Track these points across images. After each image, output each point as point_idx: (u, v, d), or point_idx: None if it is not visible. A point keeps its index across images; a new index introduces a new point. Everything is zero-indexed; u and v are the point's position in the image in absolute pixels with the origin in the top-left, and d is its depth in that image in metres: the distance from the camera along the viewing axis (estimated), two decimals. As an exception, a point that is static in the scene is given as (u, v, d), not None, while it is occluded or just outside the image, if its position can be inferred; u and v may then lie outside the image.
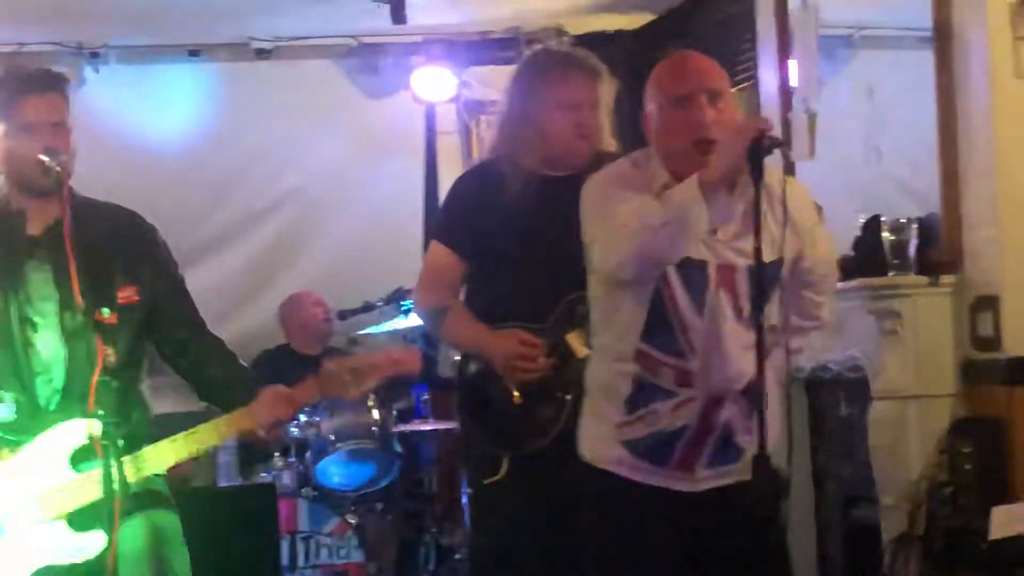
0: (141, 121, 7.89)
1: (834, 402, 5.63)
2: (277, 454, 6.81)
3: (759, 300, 3.43)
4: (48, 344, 4.00)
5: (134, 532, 3.96)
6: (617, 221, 3.49)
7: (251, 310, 7.87)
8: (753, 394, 3.44)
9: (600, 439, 3.73)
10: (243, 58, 8.06)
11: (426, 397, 7.40)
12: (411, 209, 8.19)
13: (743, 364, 3.51)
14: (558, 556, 4.37)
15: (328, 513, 6.65)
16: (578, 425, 3.84)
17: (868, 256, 5.00)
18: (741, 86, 6.30)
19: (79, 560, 3.87)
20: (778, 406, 3.68)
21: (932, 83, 4.91)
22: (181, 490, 4.21)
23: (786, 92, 5.85)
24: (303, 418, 6.63)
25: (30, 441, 3.96)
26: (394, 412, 6.94)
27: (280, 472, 6.71)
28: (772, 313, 3.65)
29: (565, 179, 4.43)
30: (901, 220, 4.88)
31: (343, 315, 7.48)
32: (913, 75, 5.08)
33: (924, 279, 4.85)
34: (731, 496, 3.63)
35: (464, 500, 6.97)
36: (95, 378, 3.79)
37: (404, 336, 7.68)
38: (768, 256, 3.55)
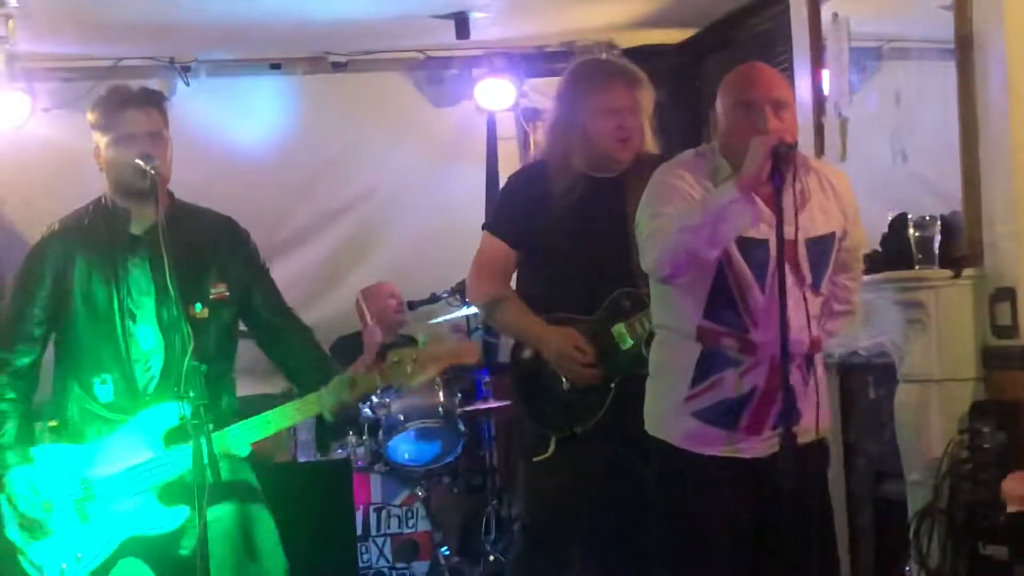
0: (228, 129, 7.93)
1: (863, 385, 5.60)
2: (352, 432, 6.84)
3: (821, 269, 3.52)
4: (147, 334, 4.06)
5: (225, 515, 4.00)
6: (661, 221, 3.50)
7: (328, 301, 7.89)
8: (812, 359, 3.55)
9: (669, 415, 3.75)
10: (321, 71, 8.10)
11: (487, 380, 7.41)
12: (474, 209, 8.17)
13: (805, 330, 3.56)
14: (599, 528, 4.38)
15: (398, 486, 6.68)
16: (644, 405, 3.86)
17: (895, 251, 4.97)
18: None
19: (163, 531, 3.91)
20: (824, 377, 3.73)
21: (954, 90, 4.87)
22: (264, 465, 4.24)
23: (819, 99, 5.82)
24: (375, 399, 6.67)
25: (128, 420, 4.01)
26: (458, 394, 6.94)
27: (354, 449, 6.74)
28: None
29: (609, 180, 4.43)
30: (926, 217, 4.85)
31: (412, 305, 7.51)
32: (937, 83, 5.04)
33: (947, 272, 4.82)
34: (789, 458, 3.62)
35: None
36: (186, 365, 3.84)
37: (467, 324, 7.71)
38: (823, 229, 3.62)
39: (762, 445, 3.67)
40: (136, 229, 4.11)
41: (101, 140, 4.11)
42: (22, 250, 6.83)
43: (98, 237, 4.11)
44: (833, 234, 3.70)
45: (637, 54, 7.45)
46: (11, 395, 4.07)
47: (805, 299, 3.56)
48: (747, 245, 3.56)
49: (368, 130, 8.19)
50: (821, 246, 3.65)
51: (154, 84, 7.35)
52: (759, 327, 3.60)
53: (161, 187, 4.00)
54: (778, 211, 3.39)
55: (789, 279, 3.54)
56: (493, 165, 8.29)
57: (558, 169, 4.49)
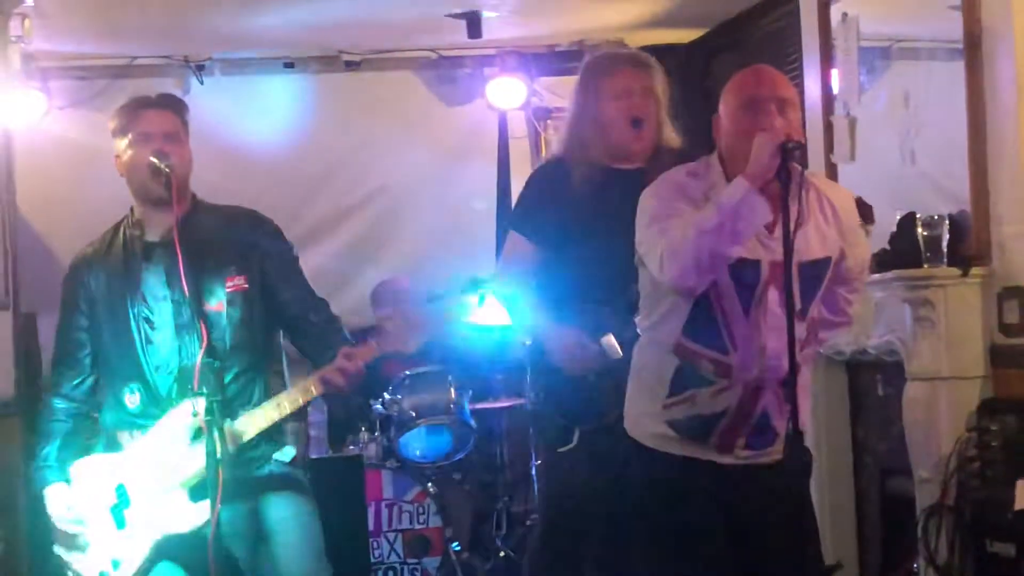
0: (242, 127, 7.94)
1: (872, 383, 5.60)
2: (363, 429, 6.84)
3: (790, 293, 3.41)
4: (165, 339, 4.06)
5: (243, 509, 4.01)
6: (674, 233, 3.47)
7: (342, 296, 7.86)
8: (789, 383, 3.44)
9: (645, 416, 3.72)
10: (334, 69, 8.11)
11: (499, 377, 7.41)
12: (485, 206, 8.21)
13: (783, 356, 3.48)
14: (621, 519, 4.37)
15: (410, 482, 6.68)
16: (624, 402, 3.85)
17: (904, 250, 4.96)
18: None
19: (195, 527, 3.91)
20: (808, 392, 3.68)
21: (963, 90, 4.87)
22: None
23: (828, 99, 5.81)
24: (387, 396, 6.67)
25: (156, 425, 4.02)
26: (469, 391, 6.94)
27: (366, 445, 6.75)
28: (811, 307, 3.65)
29: (629, 172, 4.43)
30: (934, 217, 4.84)
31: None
32: (945, 83, 5.03)
33: (955, 271, 4.81)
34: (766, 470, 3.63)
35: (533, 471, 6.99)
36: (199, 360, 3.84)
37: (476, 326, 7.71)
38: (819, 253, 3.56)
39: (735, 460, 3.65)
40: (152, 236, 4.11)
41: (120, 144, 4.12)
42: (37, 245, 6.95)
43: (116, 252, 4.14)
44: (828, 259, 3.62)
45: (647, 53, 7.45)
46: (59, 418, 4.16)
47: (791, 323, 3.43)
48: (738, 266, 3.51)
49: (381, 128, 8.20)
50: (813, 271, 3.58)
51: (168, 83, 7.41)
52: (738, 350, 3.56)
53: (179, 189, 3.99)
54: (784, 215, 3.36)
55: (775, 303, 3.53)
56: (504, 163, 8.29)
57: (576, 162, 4.50)
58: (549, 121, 8.31)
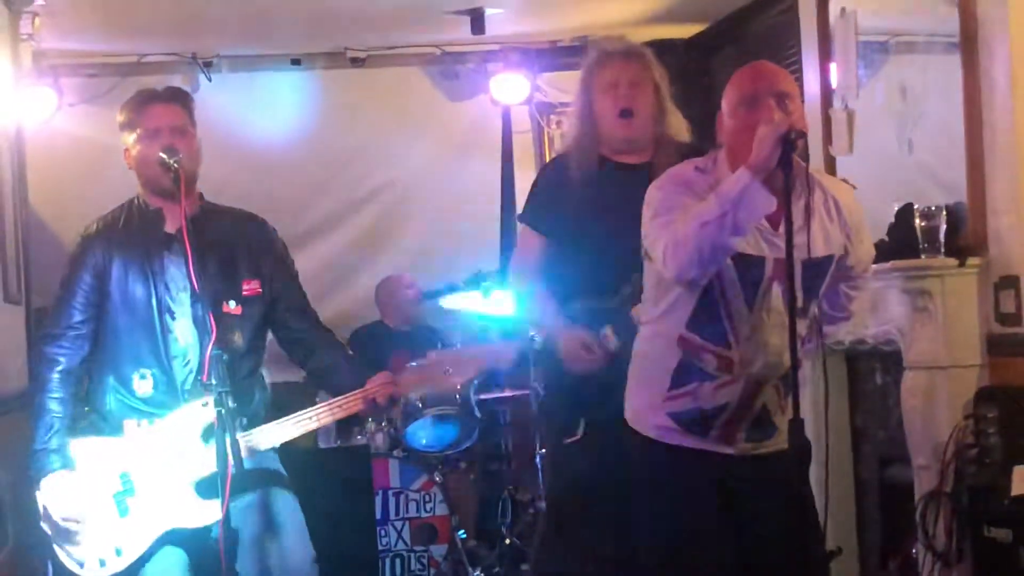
0: (248, 123, 7.95)
1: (871, 372, 5.61)
2: (371, 419, 6.86)
3: (792, 289, 3.41)
4: (184, 331, 4.07)
5: (250, 501, 4.03)
6: (677, 226, 3.47)
7: (348, 290, 7.92)
8: (789, 378, 3.45)
9: (646, 407, 3.72)
10: (340, 66, 8.12)
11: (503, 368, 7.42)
12: (489, 200, 8.22)
13: (785, 352, 3.49)
14: (624, 510, 4.38)
15: (416, 472, 6.69)
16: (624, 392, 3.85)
17: (902, 240, 4.97)
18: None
19: (201, 524, 3.92)
20: (809, 385, 3.68)
21: (959, 83, 4.87)
22: (286, 451, 4.26)
23: (827, 92, 5.83)
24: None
25: (167, 415, 4.03)
26: (474, 381, 6.95)
27: (373, 435, 6.75)
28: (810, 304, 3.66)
29: (635, 165, 4.44)
30: (931, 208, 4.85)
31: (429, 295, 7.52)
32: (942, 77, 5.04)
33: (952, 261, 4.82)
34: (766, 459, 3.64)
35: (538, 460, 7.00)
36: (208, 352, 3.85)
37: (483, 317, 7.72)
38: (822, 251, 3.56)
39: (734, 448, 3.66)
40: (170, 227, 4.12)
41: (129, 139, 4.13)
42: (48, 240, 6.95)
43: (133, 235, 4.12)
44: (831, 257, 3.63)
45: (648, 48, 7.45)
46: (59, 394, 4.08)
47: (793, 320, 3.42)
48: (742, 262, 3.51)
49: (386, 124, 8.21)
50: (816, 268, 3.57)
51: (177, 80, 7.41)
52: (740, 345, 3.56)
53: (188, 182, 4.00)
54: (787, 209, 3.36)
55: (779, 299, 3.54)
56: (508, 158, 8.30)
57: (580, 156, 4.51)
58: (552, 116, 8.32)
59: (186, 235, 3.88)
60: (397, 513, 6.64)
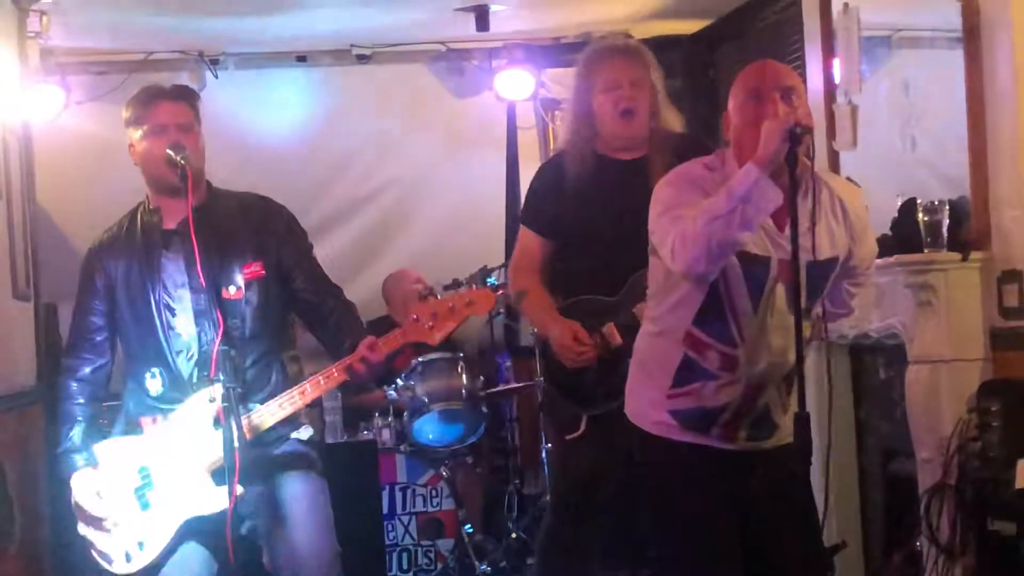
0: (255, 121, 7.97)
1: (874, 366, 5.61)
2: (377, 414, 6.86)
3: (798, 290, 3.40)
4: (185, 325, 4.08)
5: (263, 490, 4.03)
6: (685, 222, 3.45)
7: (354, 286, 7.84)
8: (791, 377, 3.44)
9: (647, 403, 3.70)
10: (345, 63, 8.12)
11: (508, 364, 7.43)
12: (495, 196, 8.22)
13: (788, 353, 3.50)
14: (627, 505, 4.38)
15: (423, 466, 6.70)
16: (626, 389, 3.84)
17: (905, 235, 4.96)
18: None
19: (219, 510, 3.93)
20: (813, 380, 3.67)
21: (962, 78, 4.86)
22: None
23: (831, 88, 5.81)
24: (400, 382, 6.69)
25: (178, 408, 4.04)
26: (480, 377, 6.96)
27: (380, 430, 6.77)
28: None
29: (632, 161, 4.44)
30: (934, 202, 4.84)
31: (434, 291, 7.51)
32: (945, 71, 5.03)
33: (955, 255, 4.81)
34: (767, 454, 3.63)
35: (544, 455, 7.01)
36: (215, 347, 3.85)
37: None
38: (827, 253, 3.54)
39: (735, 446, 3.65)
40: (169, 224, 4.13)
41: (134, 135, 4.14)
42: (56, 237, 6.96)
43: (135, 240, 4.16)
44: (836, 259, 3.61)
45: (652, 45, 7.39)
46: (79, 400, 4.19)
47: (799, 320, 3.41)
48: (747, 261, 3.50)
49: (391, 120, 8.22)
50: (821, 270, 3.55)
51: (184, 77, 7.41)
52: (745, 344, 3.56)
53: (194, 179, 4.00)
54: (792, 197, 3.36)
55: (783, 300, 3.53)
56: (513, 153, 8.30)
57: (577, 155, 4.51)
58: (556, 112, 8.31)
59: (192, 231, 3.88)
60: (404, 507, 6.65)
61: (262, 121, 8.01)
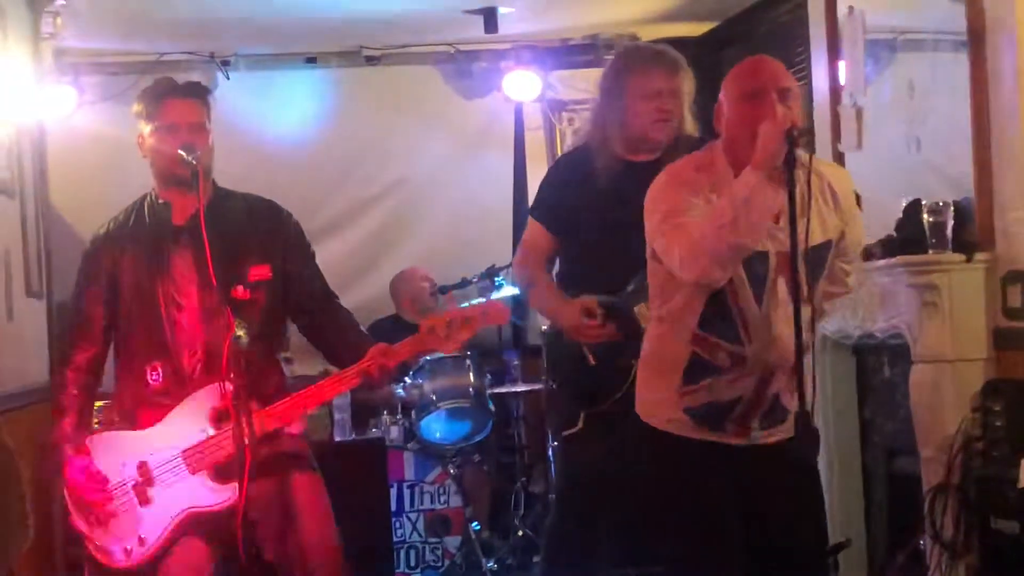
0: (265, 121, 7.96)
1: (879, 366, 5.60)
2: (386, 412, 6.87)
3: (797, 280, 3.40)
4: (191, 321, 4.07)
5: (269, 488, 4.03)
6: (691, 231, 3.45)
7: (363, 285, 7.91)
8: (797, 364, 3.44)
9: (660, 403, 3.70)
10: (355, 64, 8.12)
11: (516, 362, 7.43)
12: (502, 196, 8.22)
13: (792, 343, 3.48)
14: (628, 500, 4.38)
15: (431, 464, 6.71)
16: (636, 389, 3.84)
17: (909, 236, 4.96)
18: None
19: (219, 507, 3.93)
20: (812, 369, 3.65)
21: (967, 81, 4.86)
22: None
23: (836, 90, 5.81)
24: (408, 380, 6.70)
25: (178, 403, 4.04)
26: (487, 375, 6.96)
27: (388, 428, 6.77)
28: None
29: (648, 163, 4.43)
30: (939, 203, 4.83)
31: (443, 290, 7.51)
32: (949, 74, 5.03)
33: (960, 256, 4.81)
34: (776, 449, 3.63)
35: (550, 453, 7.00)
36: (226, 347, 3.86)
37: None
38: (821, 237, 3.55)
39: (749, 440, 3.65)
40: (178, 219, 4.13)
41: (145, 128, 4.14)
42: (68, 235, 6.97)
43: (143, 232, 4.15)
44: (830, 242, 3.63)
45: (659, 46, 7.44)
46: (72, 390, 4.16)
47: (797, 308, 3.41)
48: (747, 258, 3.50)
49: (400, 121, 8.22)
50: (816, 255, 3.55)
51: (195, 78, 7.38)
52: (753, 342, 3.56)
53: (203, 177, 4.00)
54: (791, 202, 3.36)
55: (785, 292, 3.53)
56: (520, 154, 8.30)
57: (598, 152, 4.49)
58: (564, 113, 8.33)
59: (204, 231, 3.88)
60: (412, 505, 6.66)
61: (272, 121, 8.01)
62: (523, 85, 8.04)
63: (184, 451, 3.98)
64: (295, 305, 4.24)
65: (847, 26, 5.68)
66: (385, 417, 6.82)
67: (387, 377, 4.03)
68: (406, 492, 6.67)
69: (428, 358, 6.75)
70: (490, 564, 6.71)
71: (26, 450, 5.47)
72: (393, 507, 6.53)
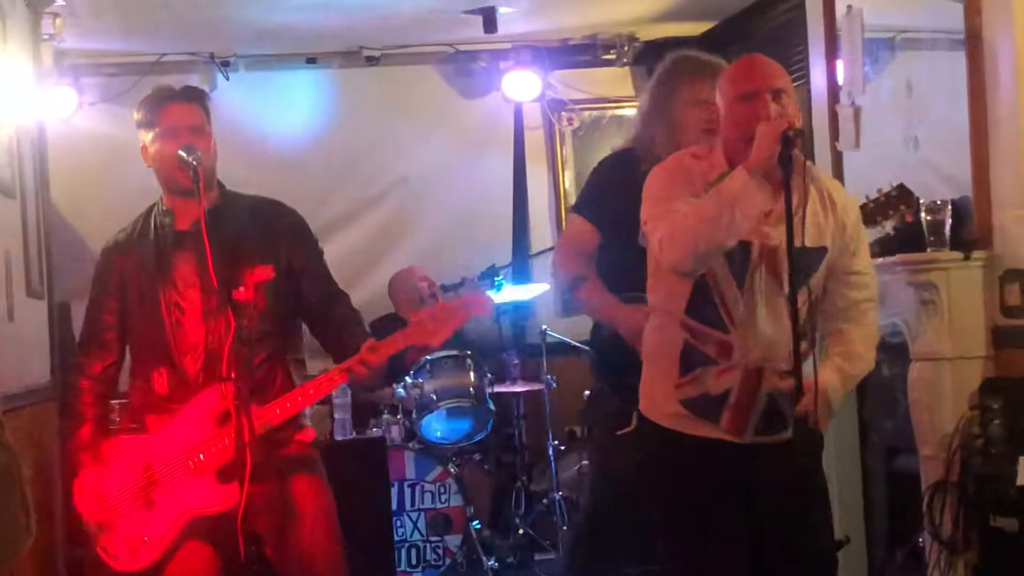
0: (266, 121, 7.98)
1: (878, 364, 5.47)
2: (387, 411, 6.87)
3: (794, 280, 3.41)
4: (194, 325, 4.08)
5: (272, 489, 4.03)
6: (675, 218, 3.47)
7: (363, 285, 7.89)
8: (795, 365, 3.43)
9: (659, 396, 3.71)
10: (355, 65, 8.13)
11: (516, 362, 7.43)
12: (502, 196, 8.24)
13: (782, 340, 3.49)
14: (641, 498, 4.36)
15: (431, 463, 6.71)
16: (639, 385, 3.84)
17: (908, 234, 4.97)
18: (794, 84, 6.26)
19: (223, 509, 3.93)
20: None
21: (964, 79, 4.86)
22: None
23: (834, 89, 5.82)
24: (408, 380, 6.70)
25: (182, 407, 4.04)
26: (488, 374, 6.96)
27: (389, 427, 6.77)
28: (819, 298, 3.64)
29: None
30: (937, 202, 4.84)
31: (445, 289, 7.52)
32: (947, 72, 5.03)
33: (958, 254, 4.81)
34: (778, 448, 3.62)
35: (550, 452, 7.01)
36: (227, 347, 3.86)
37: (497, 309, 7.72)
38: (813, 242, 3.53)
39: (745, 440, 3.64)
40: (182, 225, 4.13)
41: (147, 137, 4.14)
42: (69, 236, 6.98)
43: (148, 240, 4.17)
44: (823, 249, 3.60)
45: (658, 47, 7.46)
46: (88, 398, 4.21)
47: (795, 309, 3.40)
48: (729, 248, 3.51)
49: (400, 121, 8.23)
50: (807, 258, 3.50)
51: (195, 79, 7.42)
52: (736, 329, 3.55)
53: (206, 180, 4.01)
54: (787, 200, 3.36)
55: (768, 285, 3.53)
56: (520, 154, 8.32)
57: (644, 155, 4.49)
58: (563, 113, 8.34)
59: (204, 231, 3.88)
60: (412, 504, 6.66)
61: (272, 122, 8.02)
62: (523, 85, 8.05)
63: (188, 453, 3.98)
64: (299, 303, 4.24)
65: (845, 25, 5.68)
66: (386, 416, 6.83)
67: (376, 373, 4.01)
68: (407, 491, 6.67)
69: (428, 357, 6.76)
70: (491, 563, 6.72)
71: (27, 450, 5.49)
72: (394, 506, 6.53)
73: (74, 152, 7.36)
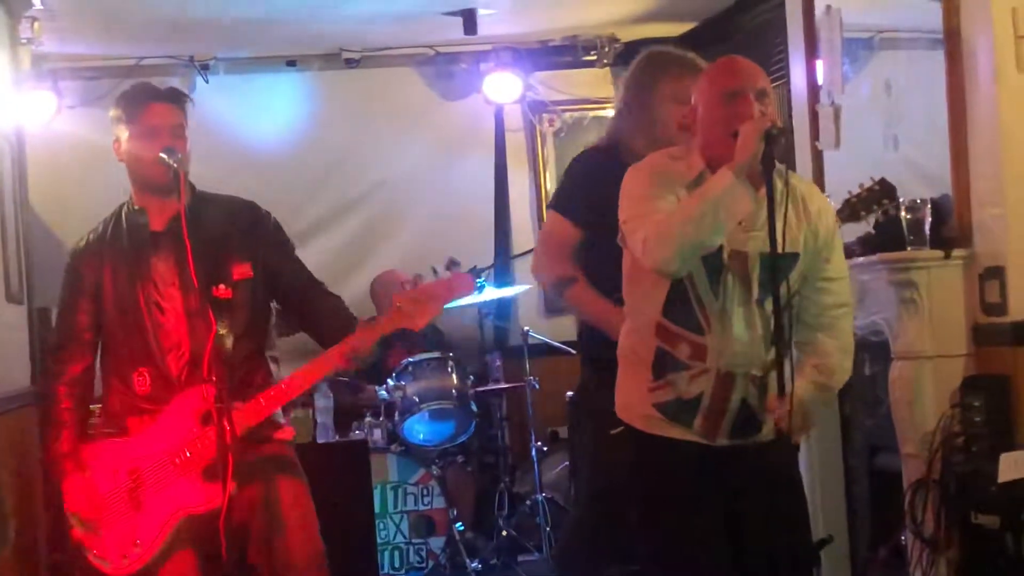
0: (246, 124, 7.96)
1: (859, 362, 5.57)
2: (369, 414, 6.87)
3: (771, 285, 3.41)
4: (175, 324, 4.06)
5: (255, 491, 4.02)
6: (659, 218, 3.46)
7: (345, 288, 7.77)
8: (770, 374, 3.42)
9: (634, 402, 3.70)
10: (335, 67, 8.13)
11: (498, 363, 7.43)
12: (484, 198, 8.24)
13: (754, 346, 3.50)
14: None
15: (414, 465, 6.70)
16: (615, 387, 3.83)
17: (888, 233, 4.97)
18: (775, 84, 6.27)
19: (210, 509, 3.92)
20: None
21: (943, 78, 4.88)
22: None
23: (814, 88, 5.83)
24: (391, 382, 6.70)
25: (166, 407, 4.03)
26: (470, 376, 6.96)
27: (371, 430, 6.76)
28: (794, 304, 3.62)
29: None
30: (917, 200, 4.85)
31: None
32: (926, 72, 5.05)
33: (938, 253, 4.82)
34: (755, 450, 3.62)
35: (533, 453, 7.01)
36: (208, 348, 3.85)
37: (479, 310, 7.72)
38: (785, 248, 3.51)
39: (717, 443, 3.63)
40: (156, 225, 4.12)
41: (123, 133, 4.12)
42: (49, 240, 6.96)
43: (121, 240, 4.14)
44: (796, 255, 3.58)
45: (638, 48, 7.45)
46: (67, 403, 4.15)
47: (779, 315, 3.39)
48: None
49: (381, 123, 8.22)
50: (775, 263, 3.45)
51: (174, 82, 7.42)
52: (712, 332, 3.54)
53: (182, 180, 4.00)
54: (769, 197, 3.36)
55: (737, 290, 3.52)
56: (501, 155, 8.32)
57: (622, 150, 4.47)
58: (544, 114, 8.34)
59: (185, 234, 3.87)
60: (395, 506, 6.65)
61: (252, 125, 8.00)
62: (503, 87, 8.06)
63: (173, 454, 3.97)
64: (283, 299, 4.23)
65: (824, 25, 5.69)
66: (368, 419, 6.82)
67: (362, 361, 3.99)
68: (390, 493, 6.66)
69: (411, 360, 6.75)
70: (474, 564, 6.72)
71: (7, 456, 5.48)
72: (377, 508, 6.52)
73: (53, 156, 7.35)
